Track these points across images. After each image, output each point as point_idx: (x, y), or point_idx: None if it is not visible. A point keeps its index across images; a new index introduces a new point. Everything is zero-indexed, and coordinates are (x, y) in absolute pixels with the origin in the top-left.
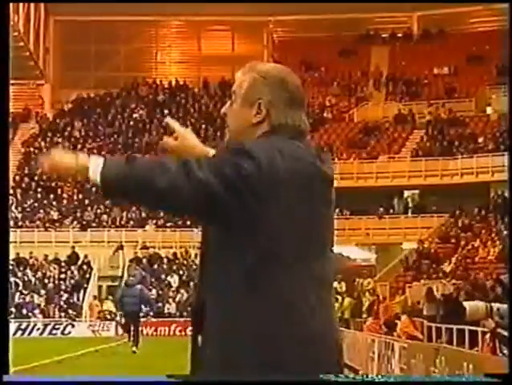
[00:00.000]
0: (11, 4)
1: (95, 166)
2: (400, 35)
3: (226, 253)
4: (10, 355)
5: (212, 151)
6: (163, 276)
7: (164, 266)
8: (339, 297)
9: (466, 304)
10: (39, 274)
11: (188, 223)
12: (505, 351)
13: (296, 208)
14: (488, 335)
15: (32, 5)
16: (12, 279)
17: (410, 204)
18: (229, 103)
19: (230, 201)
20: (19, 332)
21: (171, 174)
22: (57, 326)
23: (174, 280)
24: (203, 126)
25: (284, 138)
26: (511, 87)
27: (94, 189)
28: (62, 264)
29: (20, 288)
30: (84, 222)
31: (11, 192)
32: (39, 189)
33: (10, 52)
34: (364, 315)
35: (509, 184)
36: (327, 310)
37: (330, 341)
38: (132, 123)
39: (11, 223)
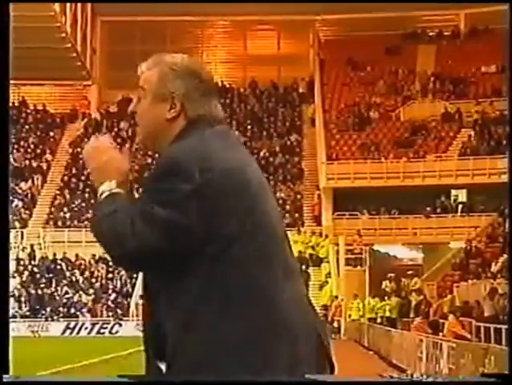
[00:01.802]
0: (57, 5)
1: (101, 192)
2: (446, 33)
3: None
4: (10, 355)
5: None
6: None
7: None
8: (386, 297)
9: None
10: (87, 274)
11: None
12: None
13: (238, 204)
14: None
15: (79, 6)
16: (59, 278)
17: (458, 204)
18: (135, 100)
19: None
20: (68, 331)
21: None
22: (105, 326)
23: None
24: (249, 126)
25: (203, 131)
26: (511, 88)
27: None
28: (110, 263)
29: (68, 287)
30: None
31: (59, 192)
32: (87, 189)
33: (10, 52)
34: (412, 315)
35: (509, 184)
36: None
37: (302, 331)
38: None
39: (59, 223)
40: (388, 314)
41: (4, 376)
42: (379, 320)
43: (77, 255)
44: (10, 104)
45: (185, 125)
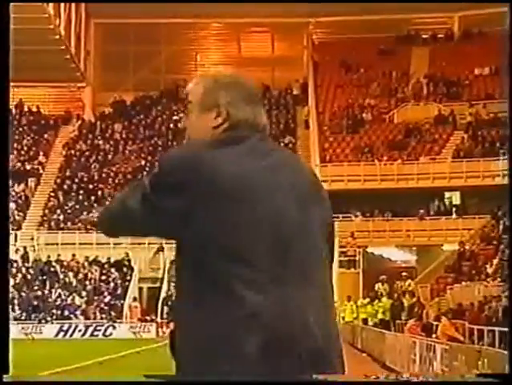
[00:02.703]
0: (51, 7)
1: None
2: (440, 36)
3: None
4: (10, 356)
5: None
6: None
7: None
8: (379, 299)
9: None
10: (80, 276)
11: None
12: None
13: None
14: None
15: (73, 8)
16: (52, 280)
17: (451, 206)
18: (184, 117)
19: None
20: (61, 333)
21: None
22: (98, 328)
23: None
24: None
25: (240, 136)
26: (511, 88)
27: None
28: (104, 265)
29: (62, 290)
30: None
31: (53, 194)
32: (80, 191)
33: (10, 52)
34: (405, 317)
35: (509, 185)
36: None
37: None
38: (172, 125)
39: (53, 225)
40: (380, 316)
41: (4, 376)
42: (372, 322)
43: (71, 257)
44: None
45: (226, 128)
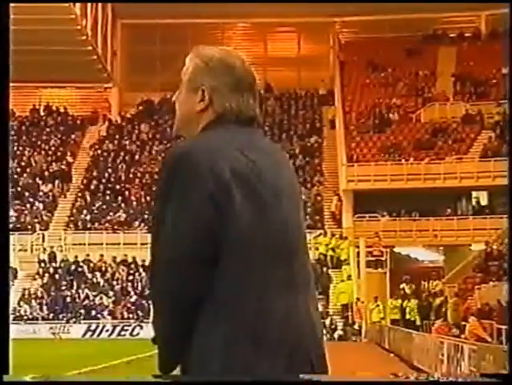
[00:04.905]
0: (78, 8)
1: None
2: (467, 35)
3: None
4: (10, 355)
5: None
6: None
7: None
8: (405, 299)
9: None
10: (108, 276)
11: None
12: None
13: (243, 210)
14: None
15: (99, 9)
16: (80, 281)
17: (478, 206)
18: (178, 92)
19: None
20: (89, 333)
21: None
22: (126, 328)
23: None
24: (269, 128)
25: (227, 129)
26: (511, 88)
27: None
28: (131, 265)
29: (89, 290)
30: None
31: (80, 194)
32: (108, 192)
33: (10, 52)
34: (433, 317)
35: (509, 186)
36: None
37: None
38: None
39: (80, 225)
40: (407, 316)
41: (4, 376)
42: (399, 322)
43: (99, 257)
44: (31, 107)
45: (212, 119)
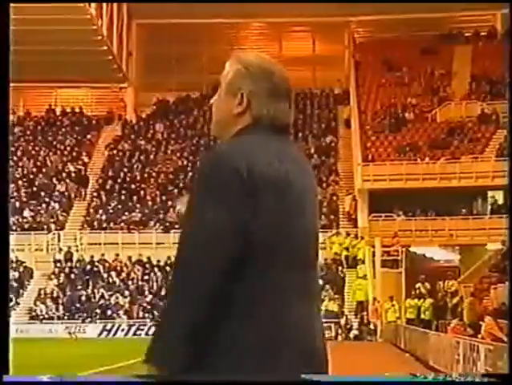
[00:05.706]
0: (93, 8)
1: None
2: (483, 34)
3: None
4: (10, 355)
5: None
6: None
7: None
8: (421, 299)
9: None
10: (123, 275)
11: None
12: None
13: (271, 214)
14: None
15: (115, 9)
16: (96, 280)
17: (494, 205)
18: (216, 95)
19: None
20: (104, 333)
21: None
22: (141, 327)
23: None
24: None
25: (262, 135)
26: (511, 88)
27: (176, 191)
28: (146, 265)
29: (105, 289)
30: (167, 224)
31: (95, 194)
32: (123, 191)
33: (10, 52)
34: (448, 317)
35: (509, 187)
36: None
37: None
38: None
39: (96, 225)
40: (422, 315)
41: (4, 376)
42: (414, 322)
43: (114, 257)
44: (47, 107)
45: (249, 123)
